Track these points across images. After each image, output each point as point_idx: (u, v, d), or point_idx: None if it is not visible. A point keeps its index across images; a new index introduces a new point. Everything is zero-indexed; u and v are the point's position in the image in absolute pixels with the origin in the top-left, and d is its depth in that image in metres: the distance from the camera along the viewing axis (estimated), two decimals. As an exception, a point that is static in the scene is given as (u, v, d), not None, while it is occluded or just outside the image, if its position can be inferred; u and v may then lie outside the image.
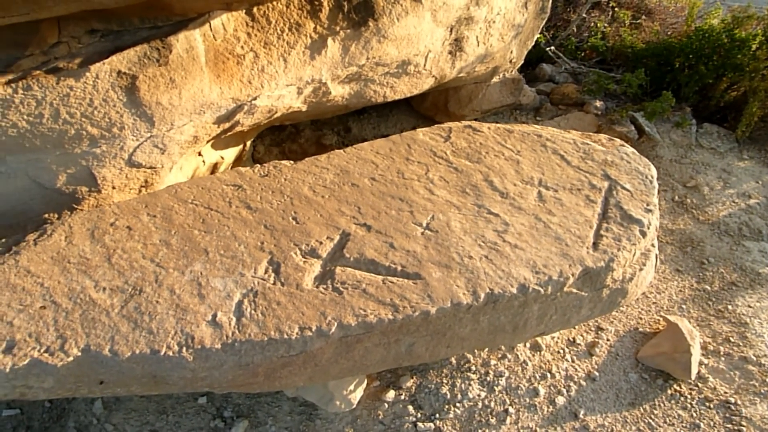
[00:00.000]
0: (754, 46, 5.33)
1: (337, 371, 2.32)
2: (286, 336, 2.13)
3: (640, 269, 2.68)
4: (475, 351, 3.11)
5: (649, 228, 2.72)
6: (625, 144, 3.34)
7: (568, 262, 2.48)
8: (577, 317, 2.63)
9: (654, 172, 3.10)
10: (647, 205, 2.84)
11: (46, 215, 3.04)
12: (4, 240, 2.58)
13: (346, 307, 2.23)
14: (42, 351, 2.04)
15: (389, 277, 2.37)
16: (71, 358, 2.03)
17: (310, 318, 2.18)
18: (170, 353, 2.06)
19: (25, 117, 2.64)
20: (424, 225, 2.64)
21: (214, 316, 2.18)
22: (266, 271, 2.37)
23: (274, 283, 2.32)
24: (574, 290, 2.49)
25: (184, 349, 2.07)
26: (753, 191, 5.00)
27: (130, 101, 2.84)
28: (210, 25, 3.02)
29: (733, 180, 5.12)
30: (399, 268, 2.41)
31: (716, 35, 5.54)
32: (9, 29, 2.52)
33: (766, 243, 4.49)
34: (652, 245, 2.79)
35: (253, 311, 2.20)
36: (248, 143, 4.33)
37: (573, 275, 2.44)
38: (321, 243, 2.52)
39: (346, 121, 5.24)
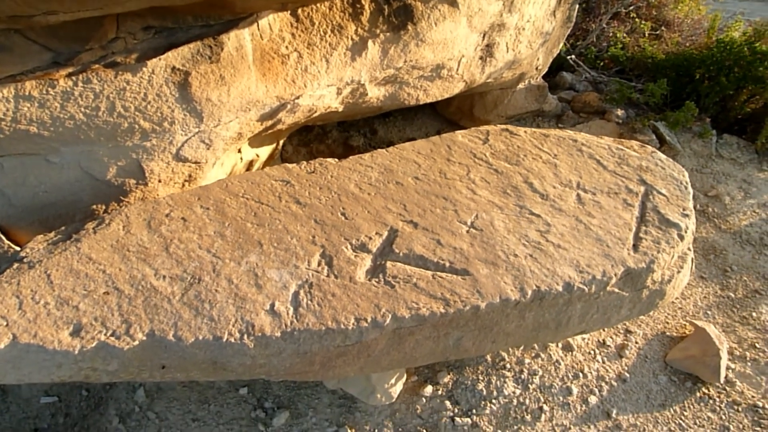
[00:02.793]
0: (775, 59, 5.41)
1: (388, 362, 2.38)
2: (342, 326, 2.19)
3: (678, 271, 2.75)
4: (510, 349, 3.18)
5: (686, 232, 2.78)
6: (657, 151, 3.41)
7: (611, 262, 2.55)
8: (617, 317, 2.69)
9: (687, 178, 3.18)
10: (684, 209, 2.91)
11: (94, 206, 3.11)
12: (63, 228, 2.65)
13: (399, 300, 2.29)
14: (108, 335, 2.10)
15: (438, 273, 2.44)
16: (136, 342, 2.10)
17: (364, 309, 2.25)
18: (232, 340, 2.12)
19: (83, 109, 2.71)
20: (469, 223, 2.71)
21: (272, 305, 2.24)
22: (319, 264, 2.44)
23: (328, 276, 2.39)
24: (616, 290, 2.55)
25: (245, 336, 2.14)
26: (774, 202, 5.07)
27: (181, 97, 2.91)
28: (258, 25, 3.10)
29: (753, 190, 5.19)
30: (447, 264, 2.48)
31: (737, 47, 5.62)
32: (73, 24, 2.60)
33: (787, 252, 4.56)
34: (689, 249, 2.86)
35: (309, 302, 2.27)
36: (281, 143, 4.40)
37: (615, 275, 2.51)
38: (370, 238, 2.59)
39: (372, 124, 5.32)
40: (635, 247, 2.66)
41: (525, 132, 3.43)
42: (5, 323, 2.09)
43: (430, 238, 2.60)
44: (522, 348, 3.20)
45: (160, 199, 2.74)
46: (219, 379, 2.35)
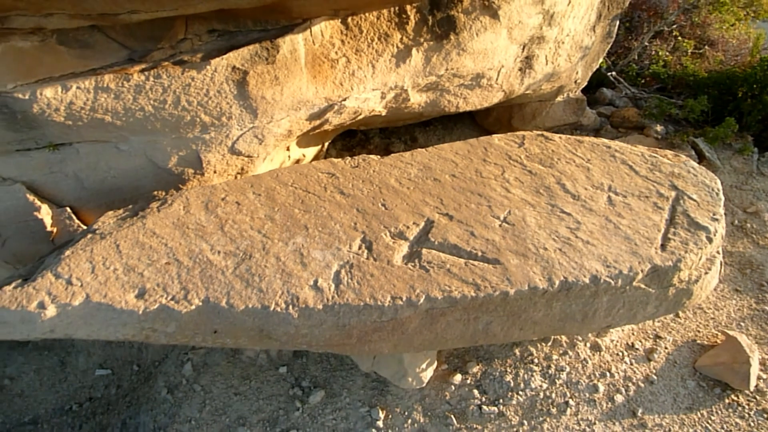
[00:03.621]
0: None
1: (420, 342, 2.54)
2: (379, 303, 2.37)
3: (706, 273, 2.82)
4: (539, 345, 3.28)
5: (715, 235, 2.86)
6: (690, 159, 3.49)
7: (638, 259, 2.65)
8: (642, 313, 2.78)
9: (720, 185, 3.25)
10: (713, 214, 2.99)
11: (156, 192, 3.39)
12: (130, 206, 2.92)
13: (432, 283, 2.46)
14: (169, 299, 2.34)
15: (471, 261, 2.59)
16: (193, 307, 2.32)
17: (400, 289, 2.42)
18: (278, 309, 2.33)
19: (152, 102, 3.00)
20: (502, 218, 2.86)
21: (316, 281, 2.44)
22: (360, 248, 2.63)
23: (367, 258, 2.57)
24: (642, 286, 2.65)
25: (291, 307, 2.34)
26: (814, 220, 5.02)
27: (239, 94, 3.18)
28: (311, 31, 3.35)
29: (794, 209, 5.14)
30: (479, 253, 2.63)
31: (782, 66, 5.62)
32: (148, 24, 2.90)
33: (827, 271, 4.51)
34: (718, 252, 2.93)
35: (349, 280, 2.46)
36: (326, 144, 4.64)
37: (642, 271, 2.61)
38: (408, 227, 2.77)
39: (413, 131, 5.52)
40: (663, 246, 2.76)
41: (560, 138, 3.57)
42: (80, 284, 2.35)
43: (464, 229, 2.76)
44: (550, 344, 3.31)
45: (217, 185, 2.99)
46: (263, 347, 2.54)
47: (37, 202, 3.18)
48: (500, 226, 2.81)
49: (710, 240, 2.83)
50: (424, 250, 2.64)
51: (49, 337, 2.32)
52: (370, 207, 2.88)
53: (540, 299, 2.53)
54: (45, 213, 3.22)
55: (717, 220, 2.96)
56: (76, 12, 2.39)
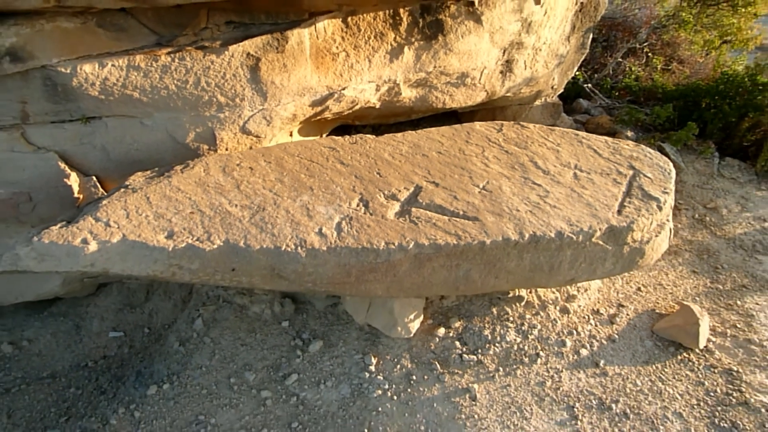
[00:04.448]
0: (774, 89, 5.95)
1: (409, 285, 2.94)
2: (375, 246, 2.77)
3: (656, 236, 3.26)
4: (513, 306, 3.69)
5: (665, 204, 3.31)
6: (648, 147, 3.97)
7: (597, 220, 3.09)
8: (602, 269, 3.21)
9: (672, 167, 3.71)
10: (664, 189, 3.45)
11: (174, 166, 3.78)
12: (156, 168, 3.31)
13: (420, 233, 2.87)
14: (194, 239, 2.72)
15: (453, 218, 3.01)
16: (215, 246, 2.71)
17: (393, 237, 2.83)
18: (289, 249, 2.72)
19: (176, 81, 3.41)
20: (481, 186, 3.29)
21: (320, 229, 2.84)
22: (358, 205, 3.04)
23: (365, 213, 2.98)
24: (601, 242, 3.08)
25: (299, 248, 2.73)
26: (768, 216, 5.52)
27: (252, 78, 3.60)
28: (315, 27, 3.80)
29: (750, 205, 5.64)
30: (461, 212, 3.05)
31: (740, 79, 6.18)
32: (176, 12, 3.34)
33: (777, 259, 4.98)
34: (667, 220, 3.38)
35: (349, 229, 2.86)
36: (323, 135, 5.07)
37: (600, 230, 3.05)
38: (399, 191, 3.19)
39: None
40: (619, 211, 3.20)
41: (534, 126, 4.04)
42: (117, 226, 2.73)
43: (448, 194, 3.19)
44: (523, 305, 3.71)
45: (232, 153, 3.41)
46: (275, 287, 2.92)
47: (67, 170, 3.55)
48: (479, 192, 3.24)
49: (660, 208, 3.28)
50: (413, 209, 3.06)
51: (89, 271, 2.68)
52: (367, 174, 3.30)
53: (512, 250, 2.94)
54: (74, 180, 3.59)
55: (667, 193, 3.41)
56: (122, -7, 2.83)
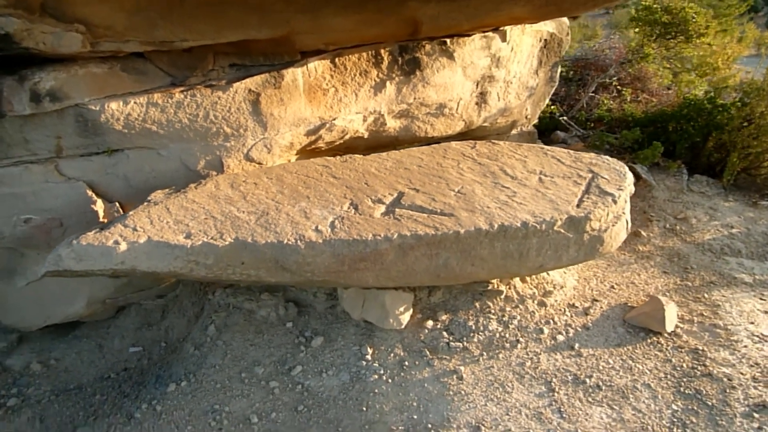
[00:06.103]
0: (732, 110, 6.51)
1: (396, 274, 3.37)
2: (363, 238, 3.23)
3: (613, 225, 3.71)
4: (495, 300, 4.09)
5: (619, 198, 3.78)
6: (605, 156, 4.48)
7: (558, 212, 3.55)
8: (567, 256, 3.64)
9: (628, 171, 4.20)
10: (619, 187, 3.92)
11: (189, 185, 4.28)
12: (174, 186, 3.81)
13: (403, 226, 3.33)
14: (209, 238, 3.18)
15: (432, 215, 3.48)
16: (227, 243, 3.16)
17: (379, 230, 3.29)
18: (290, 243, 3.18)
19: (188, 115, 3.96)
20: (456, 190, 3.77)
21: (317, 227, 3.31)
22: (348, 208, 3.52)
23: (355, 214, 3.46)
24: (562, 231, 3.53)
25: (299, 241, 3.19)
26: (735, 223, 5.96)
27: (254, 110, 4.15)
28: (307, 67, 4.39)
29: (718, 215, 6.09)
30: (439, 210, 3.52)
31: (700, 101, 6.78)
32: (187, 56, 3.93)
33: (744, 259, 5.40)
34: (623, 212, 3.83)
35: (342, 226, 3.32)
36: (320, 167, 5.60)
37: (561, 219, 3.50)
38: (385, 196, 3.67)
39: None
40: (578, 205, 3.66)
41: (504, 143, 4.56)
42: (143, 230, 3.20)
43: (428, 197, 3.67)
44: (503, 299, 4.11)
45: (238, 172, 3.92)
46: (279, 280, 3.34)
47: (94, 197, 4.04)
48: (455, 195, 3.72)
49: (615, 202, 3.74)
50: (397, 209, 3.53)
51: (120, 269, 3.13)
52: (356, 185, 3.79)
53: (484, 239, 3.39)
54: (99, 207, 4.07)
55: (622, 190, 3.88)
56: (145, 39, 3.40)
